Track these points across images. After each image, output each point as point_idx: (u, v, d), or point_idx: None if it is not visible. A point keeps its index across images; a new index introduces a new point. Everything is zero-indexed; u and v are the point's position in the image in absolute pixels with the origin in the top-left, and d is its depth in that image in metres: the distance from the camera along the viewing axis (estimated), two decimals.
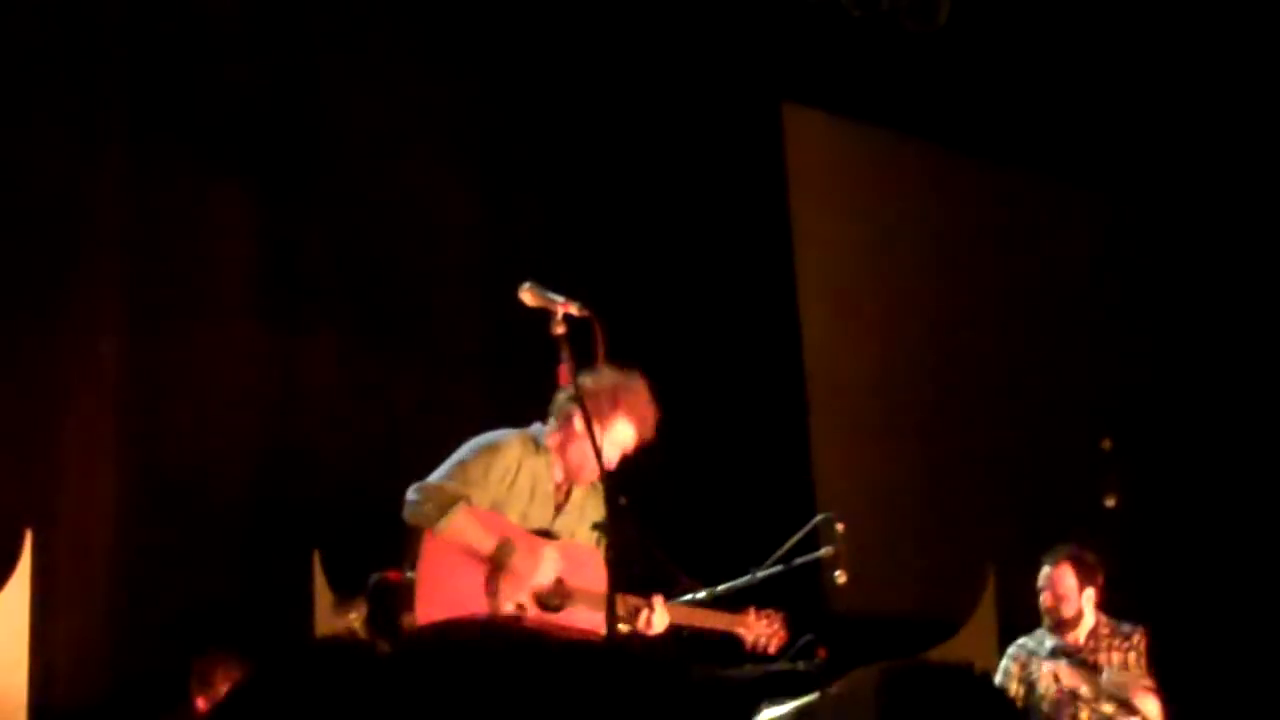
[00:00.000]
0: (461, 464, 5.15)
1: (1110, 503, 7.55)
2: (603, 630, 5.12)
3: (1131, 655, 6.96)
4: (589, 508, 5.42)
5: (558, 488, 5.33)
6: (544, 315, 4.87)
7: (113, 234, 6.65)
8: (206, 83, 6.97)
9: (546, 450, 5.30)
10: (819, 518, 6.55)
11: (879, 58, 9.06)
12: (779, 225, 8.83)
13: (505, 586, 5.04)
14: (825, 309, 8.93)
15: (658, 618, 5.29)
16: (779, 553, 6.19)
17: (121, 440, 6.50)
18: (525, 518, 5.22)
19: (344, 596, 4.72)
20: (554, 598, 5.13)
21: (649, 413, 5.34)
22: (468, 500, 5.05)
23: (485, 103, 7.81)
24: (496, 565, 5.05)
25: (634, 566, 5.05)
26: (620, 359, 5.10)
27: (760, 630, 5.62)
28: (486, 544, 5.05)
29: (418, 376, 7.32)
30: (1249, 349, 9.86)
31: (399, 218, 7.43)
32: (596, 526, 5.32)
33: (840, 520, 6.60)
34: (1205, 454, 9.63)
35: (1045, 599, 6.99)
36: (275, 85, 7.19)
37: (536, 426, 5.36)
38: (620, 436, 5.25)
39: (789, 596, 6.07)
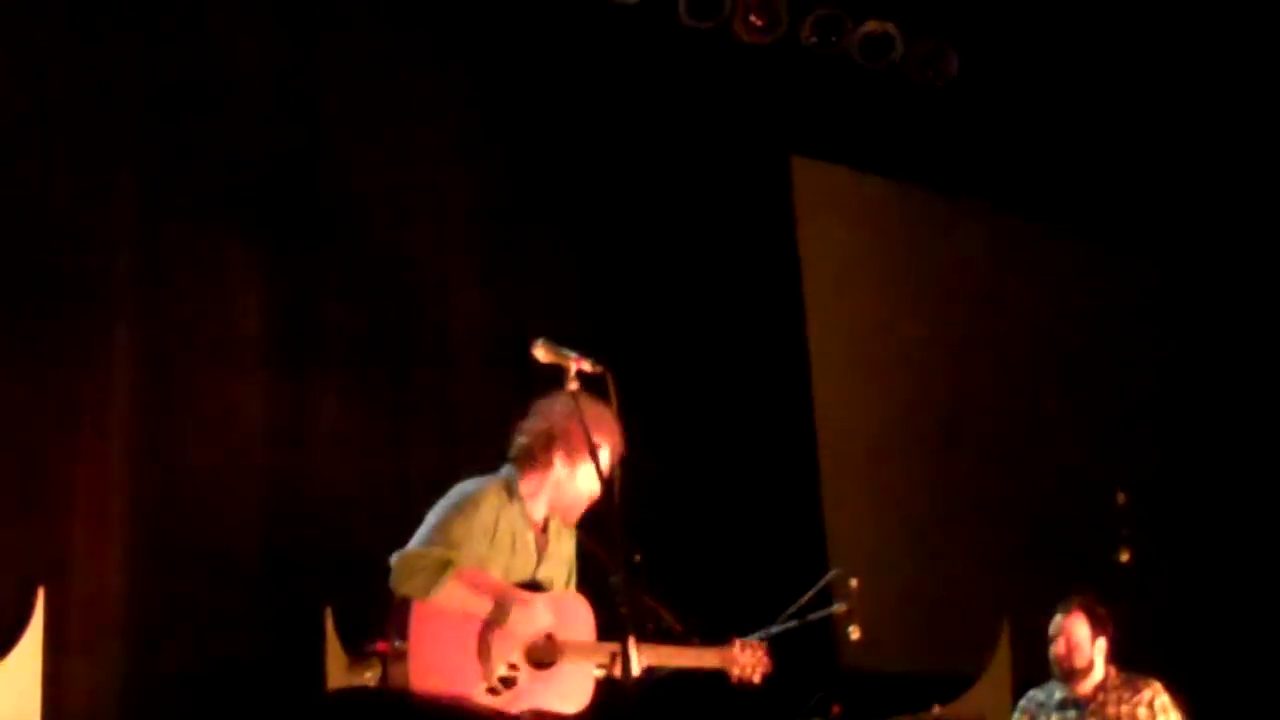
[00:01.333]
0: (443, 526, 5.04)
1: (1124, 558, 7.53)
2: (590, 682, 5.10)
3: (1141, 710, 6.93)
4: (563, 547, 5.34)
5: (537, 536, 5.24)
6: (557, 371, 4.86)
7: (124, 284, 6.67)
8: (219, 131, 7.00)
9: (520, 498, 5.20)
10: (832, 573, 6.54)
11: (888, 111, 9.09)
12: (789, 277, 8.84)
13: (497, 646, 4.95)
14: (836, 361, 8.93)
15: (632, 661, 5.03)
16: (792, 609, 6.17)
17: (133, 496, 6.50)
18: (508, 571, 5.12)
19: (358, 656, 4.66)
20: (545, 654, 5.04)
21: (616, 427, 5.15)
22: (454, 564, 4.95)
23: (497, 154, 7.84)
24: (491, 624, 4.96)
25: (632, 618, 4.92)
26: (633, 413, 5.09)
27: (744, 661, 5.47)
28: (482, 607, 4.97)
29: (431, 429, 7.32)
30: (1267, 400, 9.85)
31: (411, 268, 7.45)
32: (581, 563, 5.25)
33: (853, 576, 6.59)
34: (1222, 509, 9.61)
35: (1057, 648, 6.97)
36: (288, 133, 7.22)
37: (508, 470, 5.26)
38: (602, 462, 5.09)
39: (802, 653, 6.05)
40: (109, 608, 6.35)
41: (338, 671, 6.32)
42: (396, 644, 4.85)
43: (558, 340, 4.94)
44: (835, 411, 8.79)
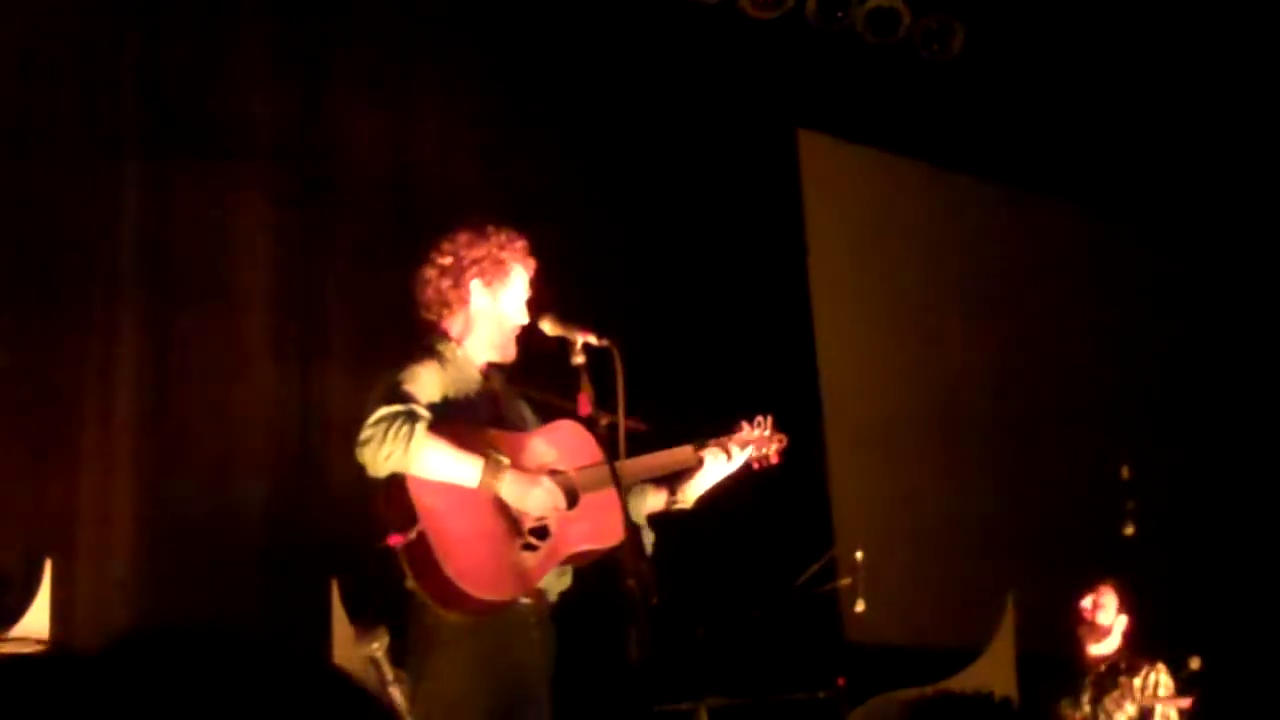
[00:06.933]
0: (395, 385, 4.57)
1: (1128, 532, 7.58)
2: (619, 508, 4.67)
3: (1136, 680, 7.12)
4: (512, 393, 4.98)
5: (484, 384, 4.88)
6: (564, 345, 4.86)
7: (130, 262, 6.67)
8: (228, 112, 7.00)
9: (455, 349, 4.84)
10: (836, 547, 6.57)
11: (894, 85, 9.09)
12: (795, 252, 8.84)
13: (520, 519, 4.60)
14: (842, 336, 8.93)
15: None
16: (798, 582, 6.19)
17: (139, 468, 6.52)
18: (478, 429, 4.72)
19: (365, 626, 4.56)
20: (568, 495, 4.68)
21: (523, 243, 4.96)
22: (423, 418, 4.49)
23: (504, 132, 7.84)
24: (491, 491, 4.55)
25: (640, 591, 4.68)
26: (638, 388, 5.08)
27: (758, 440, 5.16)
28: (471, 473, 4.53)
29: None
30: (1273, 375, 9.86)
31: (417, 241, 7.44)
32: None
33: (858, 550, 6.61)
34: (1227, 483, 9.62)
35: (1084, 605, 7.22)
36: (297, 115, 7.22)
37: (427, 341, 4.88)
38: (521, 286, 4.94)
39: (808, 626, 6.08)
40: (115, 580, 6.37)
41: (343, 643, 6.34)
42: (411, 533, 4.47)
43: (563, 314, 4.95)
44: (841, 386, 8.80)
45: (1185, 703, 6.90)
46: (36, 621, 6.05)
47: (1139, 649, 7.27)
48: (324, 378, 7.05)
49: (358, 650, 4.39)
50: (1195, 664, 7.01)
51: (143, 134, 6.79)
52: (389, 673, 4.35)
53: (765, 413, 5.28)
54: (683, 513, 5.10)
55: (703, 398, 7.86)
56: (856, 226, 9.18)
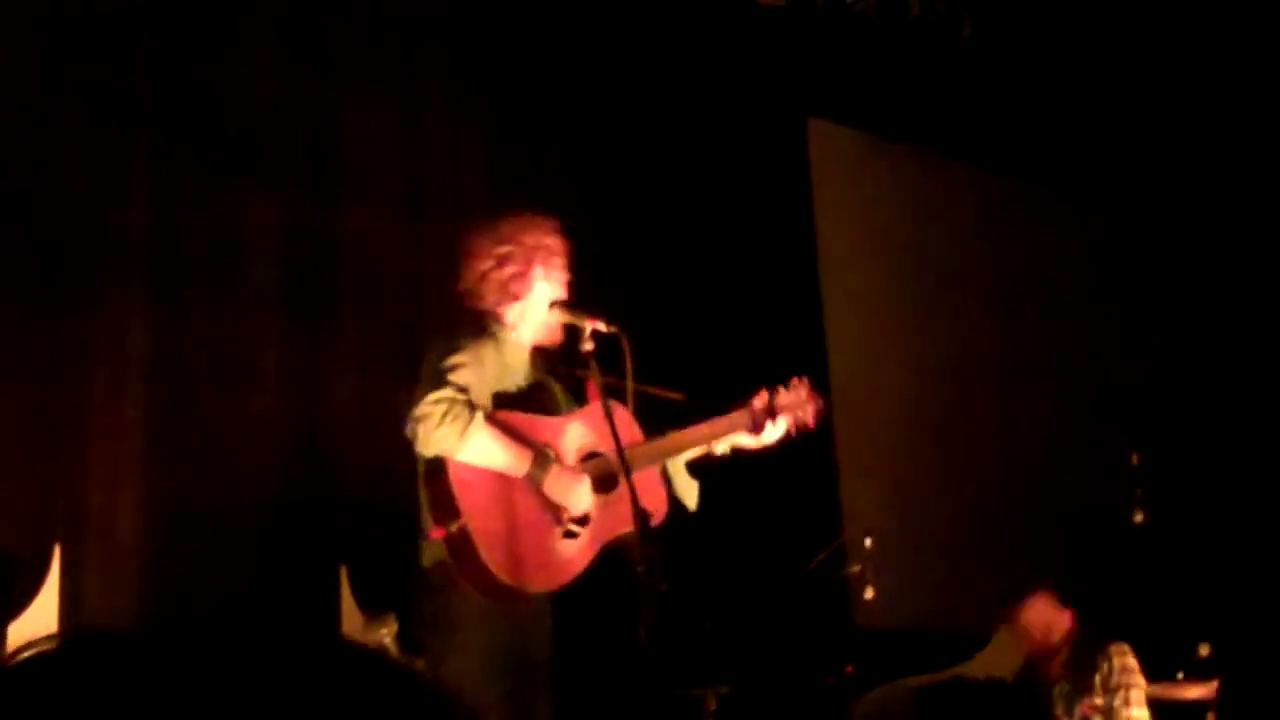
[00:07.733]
0: (450, 369, 4.58)
1: (1138, 518, 7.55)
2: (659, 484, 4.86)
3: (1103, 664, 6.91)
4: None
5: (530, 369, 4.95)
6: (573, 332, 4.87)
7: (139, 247, 6.67)
8: (234, 99, 7.00)
9: (510, 331, 4.91)
10: (846, 533, 6.57)
11: (904, 73, 9.08)
12: (804, 241, 8.84)
13: (561, 508, 4.68)
14: (851, 323, 8.93)
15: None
16: (807, 568, 6.20)
17: (149, 454, 6.51)
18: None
19: (373, 613, 4.56)
20: (601, 476, 4.75)
21: (556, 222, 5.02)
22: (479, 409, 4.55)
23: (513, 117, 7.83)
24: (536, 486, 4.62)
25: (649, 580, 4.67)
26: (647, 375, 5.08)
27: (794, 404, 5.21)
28: (518, 464, 4.61)
29: None
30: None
31: (428, 223, 7.45)
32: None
33: (868, 536, 6.61)
34: (1235, 468, 9.62)
35: (1034, 632, 6.81)
36: (304, 108, 7.22)
37: (470, 323, 4.93)
38: (553, 291, 4.98)
39: (817, 612, 6.07)
40: (125, 564, 6.37)
41: (353, 630, 6.35)
42: (452, 527, 4.49)
43: (572, 302, 4.96)
44: (849, 373, 8.79)
45: (1205, 691, 6.73)
46: (45, 607, 6.05)
47: (1087, 640, 6.86)
48: (333, 364, 7.05)
49: (367, 637, 4.40)
50: (1204, 651, 6.91)
51: (151, 126, 6.79)
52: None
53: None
54: (723, 458, 5.25)
55: (711, 385, 7.88)
56: (865, 213, 9.18)
